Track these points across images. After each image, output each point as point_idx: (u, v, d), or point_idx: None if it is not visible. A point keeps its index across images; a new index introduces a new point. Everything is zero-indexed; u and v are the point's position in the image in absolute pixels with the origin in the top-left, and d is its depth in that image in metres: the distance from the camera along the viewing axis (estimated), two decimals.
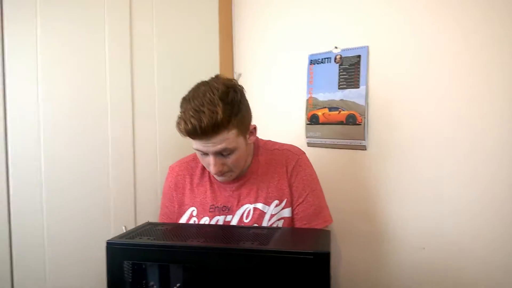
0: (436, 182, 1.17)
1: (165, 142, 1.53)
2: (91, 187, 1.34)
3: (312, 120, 1.48)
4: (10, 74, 1.17)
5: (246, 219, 1.10)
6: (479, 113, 1.08)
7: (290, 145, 1.19)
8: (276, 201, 1.10)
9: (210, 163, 1.02)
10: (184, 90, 1.01)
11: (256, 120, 1.79)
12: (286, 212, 1.11)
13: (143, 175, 1.47)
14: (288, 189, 1.11)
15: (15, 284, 1.17)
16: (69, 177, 1.29)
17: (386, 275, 1.29)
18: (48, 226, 1.24)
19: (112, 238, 0.84)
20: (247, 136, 1.08)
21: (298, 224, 1.11)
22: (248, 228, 0.99)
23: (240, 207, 1.11)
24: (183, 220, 1.16)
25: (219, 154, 1.01)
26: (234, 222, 1.10)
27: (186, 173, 1.19)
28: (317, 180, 1.17)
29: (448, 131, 1.14)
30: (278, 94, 1.64)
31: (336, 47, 1.40)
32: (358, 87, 1.33)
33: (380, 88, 1.29)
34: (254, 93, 1.73)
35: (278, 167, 1.13)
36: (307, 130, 1.49)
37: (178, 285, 0.80)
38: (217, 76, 1.06)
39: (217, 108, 0.94)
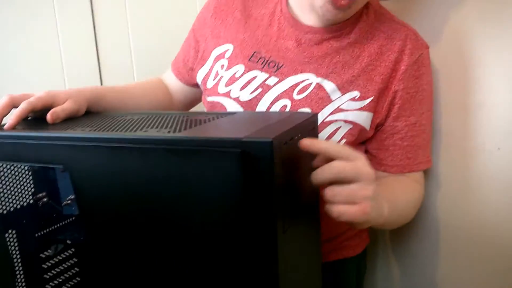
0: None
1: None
2: None
3: None
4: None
5: (298, 94, 0.70)
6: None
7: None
8: (357, 93, 0.69)
9: None
10: None
11: None
12: (362, 116, 0.69)
13: None
14: (385, 89, 0.69)
15: None
16: None
17: None
18: None
19: None
20: None
21: (385, 155, 0.72)
22: (182, 114, 0.59)
23: (298, 73, 0.70)
24: (208, 63, 0.78)
25: None
26: (278, 89, 0.70)
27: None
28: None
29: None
30: None
31: None
32: None
33: None
34: None
35: (385, 48, 0.70)
36: None
37: (43, 193, 0.52)
38: None
39: None
